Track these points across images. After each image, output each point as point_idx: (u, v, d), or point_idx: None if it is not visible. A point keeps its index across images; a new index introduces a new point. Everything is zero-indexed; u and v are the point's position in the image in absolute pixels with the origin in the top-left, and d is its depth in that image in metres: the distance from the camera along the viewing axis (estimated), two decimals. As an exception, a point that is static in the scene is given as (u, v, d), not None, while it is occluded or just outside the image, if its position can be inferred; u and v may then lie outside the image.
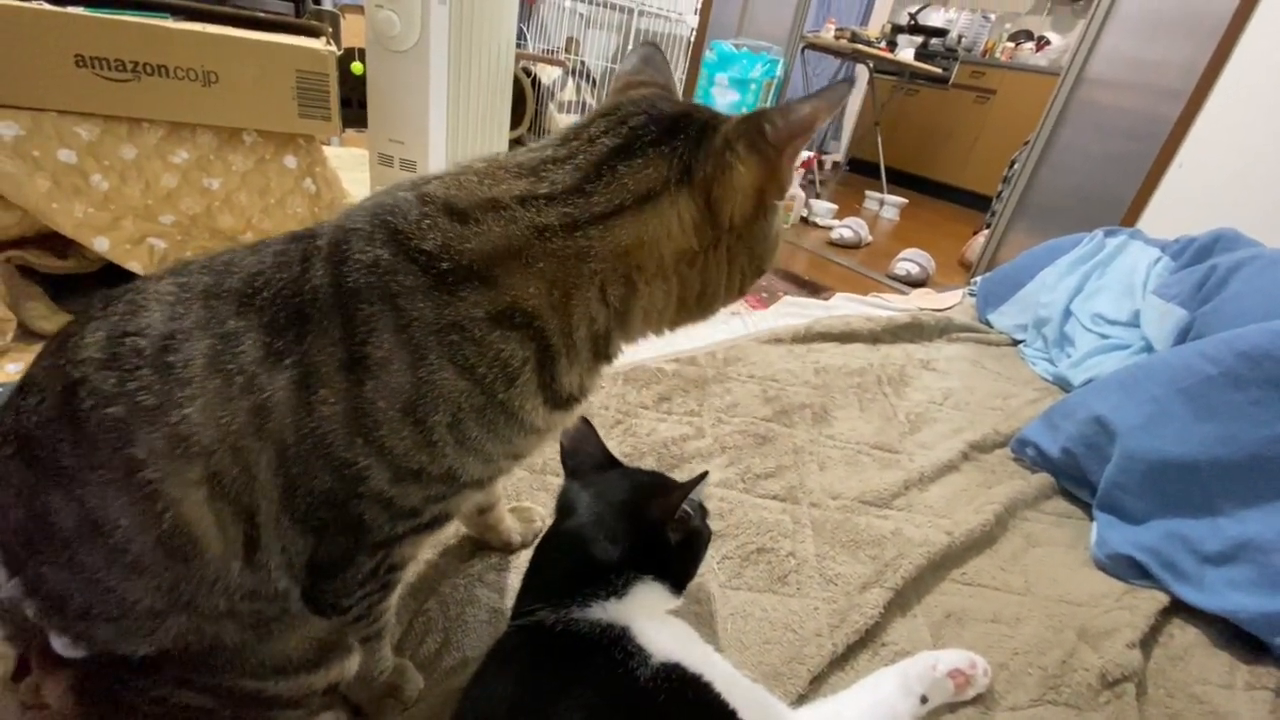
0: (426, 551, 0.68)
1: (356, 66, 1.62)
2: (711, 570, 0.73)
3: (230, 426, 0.37)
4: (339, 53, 1.16)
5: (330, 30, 1.22)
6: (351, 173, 1.56)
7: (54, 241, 1.00)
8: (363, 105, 1.54)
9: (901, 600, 0.74)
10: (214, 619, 0.41)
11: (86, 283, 1.08)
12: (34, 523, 0.38)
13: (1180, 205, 2.14)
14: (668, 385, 1.09)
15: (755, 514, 0.83)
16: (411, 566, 0.53)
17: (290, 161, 1.15)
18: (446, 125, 1.50)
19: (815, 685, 0.63)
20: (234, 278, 0.40)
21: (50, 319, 0.99)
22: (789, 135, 0.43)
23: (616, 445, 0.90)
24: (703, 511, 0.60)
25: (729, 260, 0.46)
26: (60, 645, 0.42)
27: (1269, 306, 1.14)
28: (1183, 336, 1.27)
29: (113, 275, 1.03)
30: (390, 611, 0.52)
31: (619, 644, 0.46)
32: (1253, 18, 1.95)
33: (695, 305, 0.48)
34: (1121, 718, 0.65)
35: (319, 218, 1.19)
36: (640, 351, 1.25)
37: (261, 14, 1.18)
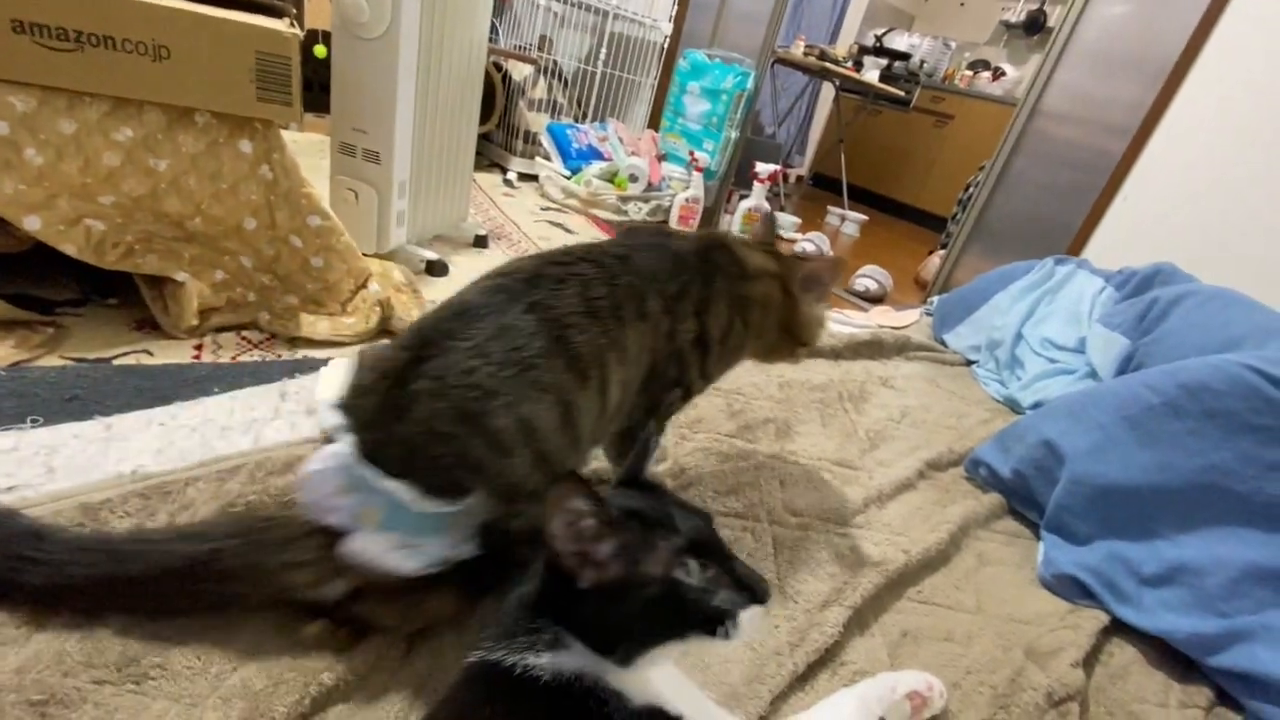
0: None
1: (319, 49, 1.56)
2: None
3: (644, 345, 0.70)
4: (302, 35, 1.12)
5: (294, 12, 1.17)
6: (310, 159, 1.50)
7: (-21, 218, 0.93)
8: (325, 89, 1.48)
9: (860, 619, 0.75)
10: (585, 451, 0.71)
11: (14, 263, 1.00)
12: (518, 434, 0.59)
13: (1123, 236, 2.25)
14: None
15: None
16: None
17: (245, 146, 1.09)
18: (414, 117, 1.46)
19: (776, 705, 0.63)
20: (639, 271, 0.71)
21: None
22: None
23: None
24: (668, 553, 0.43)
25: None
26: (398, 559, 0.56)
27: (1204, 340, 1.21)
28: (1125, 365, 1.33)
29: (44, 256, 0.96)
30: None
31: (592, 692, 0.41)
32: (1195, 64, 2.07)
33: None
34: (1066, 738, 0.67)
35: (275, 206, 1.14)
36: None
37: (220, -11, 1.12)
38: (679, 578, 0.43)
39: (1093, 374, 1.46)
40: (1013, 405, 1.52)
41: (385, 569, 0.55)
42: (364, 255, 1.49)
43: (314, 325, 1.19)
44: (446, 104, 1.60)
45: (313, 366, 1.01)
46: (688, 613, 0.43)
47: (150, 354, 1.02)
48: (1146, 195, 2.22)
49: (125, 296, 1.11)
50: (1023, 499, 1.07)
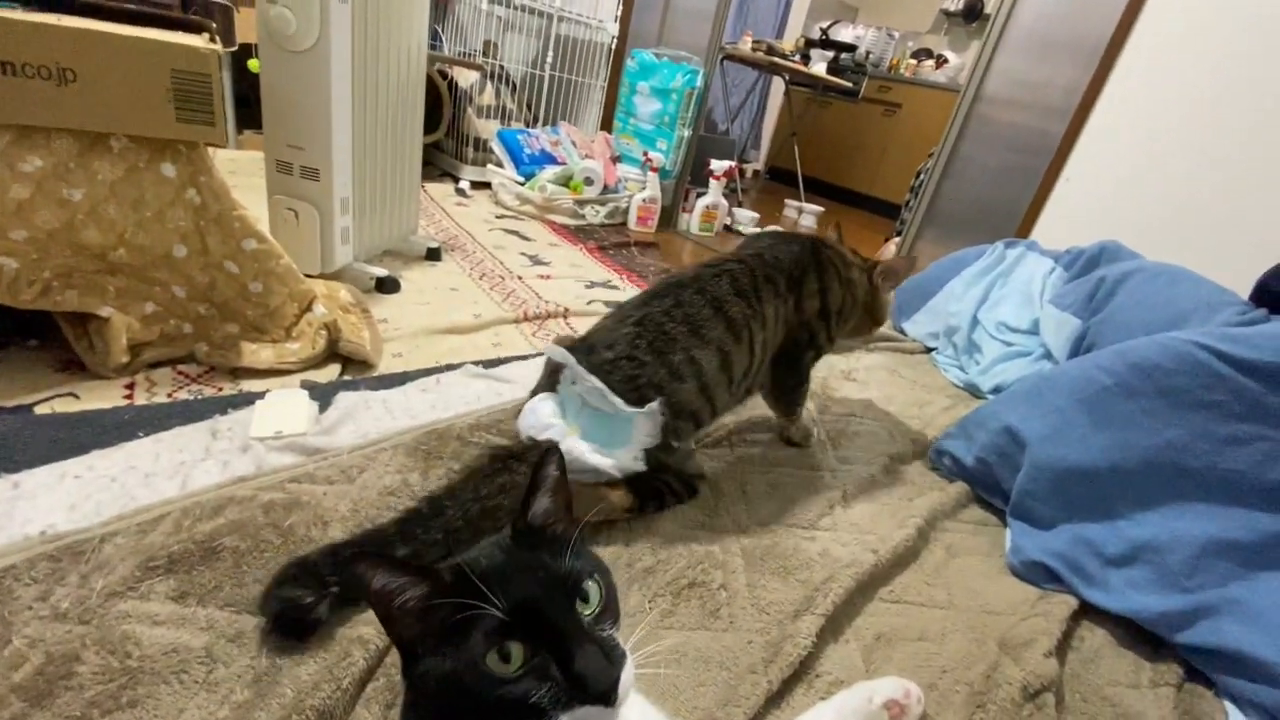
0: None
1: (254, 63, 1.49)
2: (644, 611, 0.70)
3: (776, 320, 0.96)
4: (224, 50, 1.06)
5: (215, 26, 1.11)
6: (251, 177, 1.44)
7: None
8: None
9: (833, 625, 0.74)
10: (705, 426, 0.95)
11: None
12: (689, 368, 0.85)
13: (1069, 216, 2.30)
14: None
15: (686, 545, 0.81)
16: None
17: (168, 170, 1.03)
18: (352, 130, 1.41)
19: (751, 726, 0.61)
20: (771, 264, 0.99)
21: None
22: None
23: None
24: (480, 634, 0.37)
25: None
26: (594, 459, 0.80)
27: (1152, 316, 1.23)
28: (1078, 344, 1.36)
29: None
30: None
31: None
32: (1126, 44, 2.12)
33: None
34: (1043, 730, 0.67)
35: (206, 231, 1.08)
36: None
37: (131, 6, 1.06)
38: (486, 667, 0.36)
39: (1048, 354, 1.48)
40: (973, 390, 1.54)
41: (584, 466, 0.80)
42: (308, 276, 1.44)
43: (256, 354, 1.14)
44: (387, 115, 1.55)
45: (248, 400, 0.96)
46: (492, 708, 0.37)
47: (76, 397, 0.96)
48: (1088, 175, 2.28)
49: (48, 336, 1.04)
50: (987, 486, 1.08)
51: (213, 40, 1.07)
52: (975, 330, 1.65)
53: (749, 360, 0.92)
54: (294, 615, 0.59)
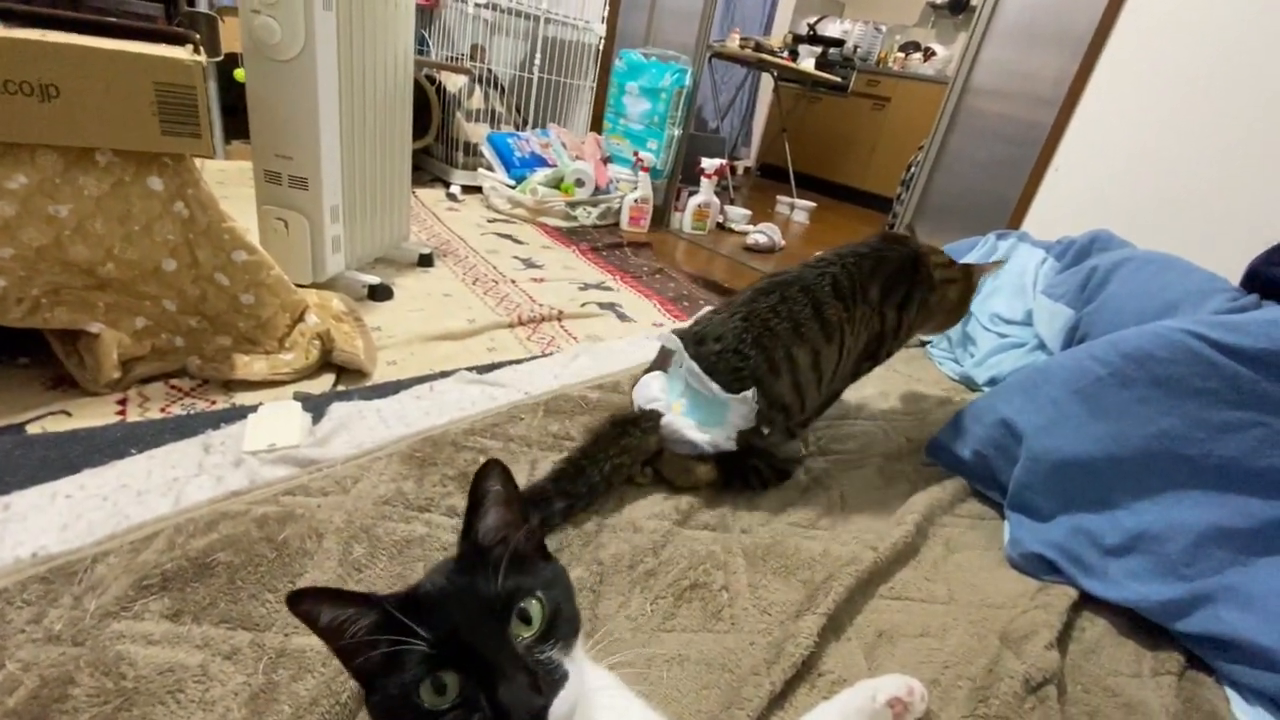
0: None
1: (239, 73, 1.48)
2: (645, 614, 0.70)
3: (864, 325, 1.01)
4: (206, 61, 1.05)
5: (199, 37, 1.11)
6: (240, 188, 1.43)
7: None
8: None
9: (835, 624, 0.74)
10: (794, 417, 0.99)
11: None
12: (786, 364, 0.93)
13: (1059, 207, 2.31)
14: (593, 415, 1.05)
15: (688, 546, 0.81)
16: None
17: (155, 183, 1.03)
18: (340, 138, 1.40)
19: (755, 728, 0.61)
20: (869, 272, 1.01)
21: None
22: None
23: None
24: (412, 662, 0.37)
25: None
26: (692, 433, 0.91)
27: (1144, 305, 1.24)
28: (1071, 334, 1.36)
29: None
30: None
31: None
32: (1114, 31, 2.13)
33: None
34: (1047, 723, 0.67)
35: (195, 244, 1.07)
36: (563, 376, 1.20)
37: (113, 19, 1.05)
38: (419, 699, 0.36)
39: (1042, 345, 1.48)
40: (969, 383, 1.54)
41: (681, 438, 0.90)
42: (300, 286, 1.43)
43: (249, 366, 1.13)
44: (376, 122, 1.54)
45: (240, 414, 0.95)
46: None
47: (69, 414, 0.95)
48: (1078, 164, 2.29)
49: (38, 354, 1.03)
50: (985, 480, 1.08)
51: (196, 51, 1.06)
52: (969, 323, 1.65)
53: (837, 360, 0.97)
54: None
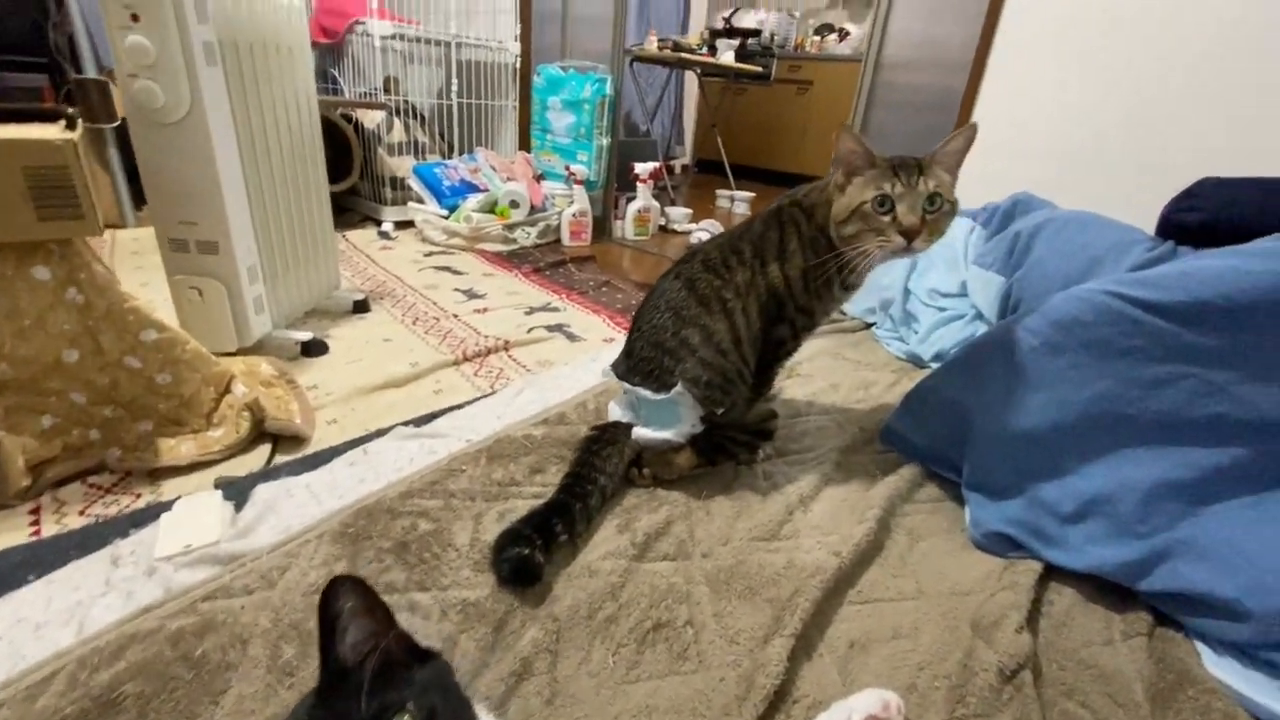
0: None
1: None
2: (608, 667, 0.67)
3: (748, 286, 0.99)
4: (92, 130, 0.99)
5: (71, 112, 1.04)
6: (156, 256, 1.36)
7: None
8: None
9: (805, 642, 0.72)
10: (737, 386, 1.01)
11: None
12: (684, 349, 0.97)
13: (980, 172, 2.35)
14: (540, 455, 1.02)
15: (647, 583, 0.79)
16: None
17: (42, 273, 0.96)
18: (247, 194, 1.34)
19: (732, 769, 0.59)
20: (740, 235, 1.03)
21: None
22: None
23: (490, 540, 0.81)
24: None
25: None
26: (655, 436, 1.01)
27: (1068, 266, 1.26)
28: (1005, 301, 1.38)
29: None
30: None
31: None
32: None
33: None
34: (1025, 713, 0.67)
35: (96, 330, 1.01)
36: (506, 415, 1.17)
37: (-28, 105, 0.98)
38: None
39: (981, 315, 1.50)
40: (916, 360, 1.56)
41: (650, 441, 0.99)
42: (226, 355, 1.37)
43: (176, 449, 1.07)
44: (286, 171, 1.48)
45: (154, 515, 0.87)
46: None
47: (-26, 534, 0.88)
48: (994, 127, 2.33)
49: (-66, 471, 0.95)
50: (940, 462, 1.08)
51: (70, 127, 1.00)
52: (909, 300, 1.67)
53: (728, 328, 0.97)
54: (521, 566, 0.76)
